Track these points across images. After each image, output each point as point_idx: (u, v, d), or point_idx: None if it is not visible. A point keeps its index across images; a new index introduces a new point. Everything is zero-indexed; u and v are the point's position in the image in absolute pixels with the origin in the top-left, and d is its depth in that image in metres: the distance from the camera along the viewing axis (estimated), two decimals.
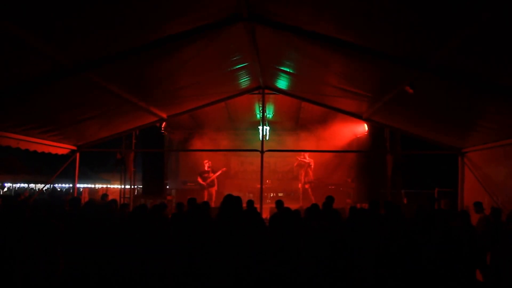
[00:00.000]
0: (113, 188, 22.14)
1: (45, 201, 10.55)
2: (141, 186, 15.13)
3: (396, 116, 9.94)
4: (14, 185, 26.34)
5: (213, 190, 14.54)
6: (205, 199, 13.32)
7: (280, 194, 14.58)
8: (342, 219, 6.14)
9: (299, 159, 14.47)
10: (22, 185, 26.47)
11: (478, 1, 4.01)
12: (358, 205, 12.02)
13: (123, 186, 13.97)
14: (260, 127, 11.69)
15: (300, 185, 14.31)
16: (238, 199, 5.73)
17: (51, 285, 5.67)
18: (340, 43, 6.26)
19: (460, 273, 5.20)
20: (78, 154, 11.19)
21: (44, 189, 16.10)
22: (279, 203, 7.09)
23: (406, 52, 5.92)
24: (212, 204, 12.44)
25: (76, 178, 11.75)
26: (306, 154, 14.22)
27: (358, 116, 11.19)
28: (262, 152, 11.07)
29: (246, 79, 10.57)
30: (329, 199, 6.99)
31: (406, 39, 5.54)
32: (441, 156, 11.30)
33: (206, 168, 14.84)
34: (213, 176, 14.67)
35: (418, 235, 5.41)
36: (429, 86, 6.53)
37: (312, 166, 14.30)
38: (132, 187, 14.30)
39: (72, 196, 10.51)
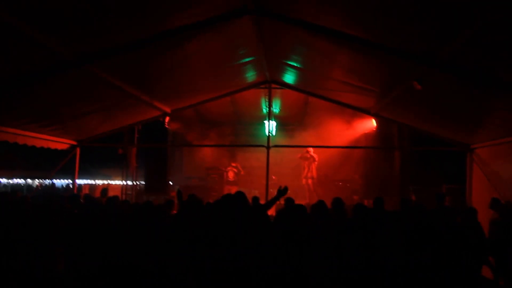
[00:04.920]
0: (115, 184, 21.98)
1: (44, 198, 10.32)
2: (143, 183, 14.93)
3: (404, 112, 9.87)
4: (10, 181, 26.08)
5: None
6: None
7: None
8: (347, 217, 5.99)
9: (302, 153, 14.19)
10: (19, 181, 26.27)
11: None
12: (366, 202, 11.78)
13: (124, 183, 13.75)
14: (266, 122, 11.45)
15: (304, 181, 14.03)
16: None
17: (50, 282, 5.53)
18: (348, 37, 6.27)
19: (465, 270, 5.24)
20: (78, 149, 11.03)
21: (42, 185, 15.89)
22: (289, 200, 6.80)
23: (415, 47, 5.90)
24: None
25: (76, 174, 11.55)
26: (311, 149, 13.95)
27: (366, 111, 11.10)
28: (268, 147, 10.96)
29: (252, 73, 10.47)
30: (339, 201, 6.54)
31: (414, 33, 5.53)
32: (449, 153, 11.12)
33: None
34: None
35: (421, 232, 5.38)
36: (437, 81, 6.52)
37: (316, 162, 14.00)
38: (134, 183, 14.09)
39: (72, 193, 10.28)
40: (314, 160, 13.90)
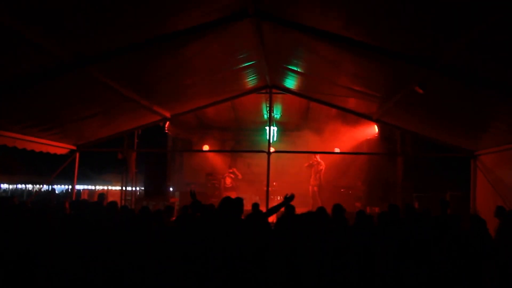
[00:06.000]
0: (114, 189, 21.85)
1: (44, 203, 10.20)
2: (143, 188, 14.82)
3: (407, 117, 9.80)
4: (10, 186, 25.98)
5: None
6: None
7: None
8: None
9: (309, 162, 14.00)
10: (19, 186, 26.17)
11: None
12: (368, 209, 11.65)
13: (124, 188, 13.63)
14: (267, 128, 11.35)
15: (310, 188, 13.82)
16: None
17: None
18: (350, 42, 6.24)
19: (468, 277, 5.13)
20: (77, 154, 10.92)
21: (41, 190, 15.79)
22: (289, 207, 6.67)
23: (416, 50, 5.85)
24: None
25: (75, 179, 11.43)
26: (318, 156, 13.78)
27: (368, 117, 11.02)
28: (269, 153, 10.84)
29: (253, 78, 10.40)
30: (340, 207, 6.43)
31: (415, 37, 5.49)
32: (453, 159, 11.00)
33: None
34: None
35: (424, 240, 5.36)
36: (440, 86, 6.46)
37: (323, 169, 13.80)
38: (134, 188, 13.97)
39: (71, 199, 10.16)
40: (320, 167, 13.67)
